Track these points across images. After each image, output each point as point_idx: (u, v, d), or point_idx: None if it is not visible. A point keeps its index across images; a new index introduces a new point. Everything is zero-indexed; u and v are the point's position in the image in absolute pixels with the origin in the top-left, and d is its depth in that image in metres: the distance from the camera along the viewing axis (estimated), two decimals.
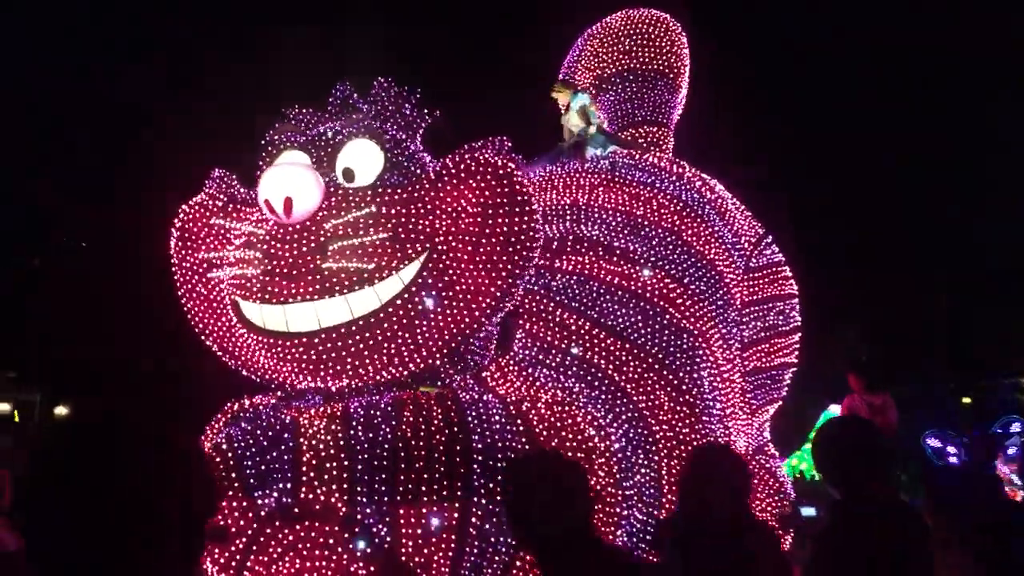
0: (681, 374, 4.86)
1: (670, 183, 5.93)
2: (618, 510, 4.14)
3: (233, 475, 3.57)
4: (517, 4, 18.01)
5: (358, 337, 3.93)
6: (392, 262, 3.92)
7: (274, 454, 3.65)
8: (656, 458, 4.56)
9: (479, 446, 3.82)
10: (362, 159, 4.20)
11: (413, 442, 3.74)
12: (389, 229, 3.95)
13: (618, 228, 5.45)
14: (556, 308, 4.95)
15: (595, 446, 4.11)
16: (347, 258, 3.89)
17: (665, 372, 4.82)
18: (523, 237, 4.08)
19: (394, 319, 3.95)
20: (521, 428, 4.00)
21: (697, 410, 4.78)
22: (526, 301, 4.97)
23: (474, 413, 3.94)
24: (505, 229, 4.05)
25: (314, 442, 3.70)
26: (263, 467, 3.62)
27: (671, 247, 5.45)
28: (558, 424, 4.09)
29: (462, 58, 17.99)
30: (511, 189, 4.08)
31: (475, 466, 3.77)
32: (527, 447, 3.92)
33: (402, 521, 3.67)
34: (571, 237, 5.37)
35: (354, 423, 3.76)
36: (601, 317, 4.92)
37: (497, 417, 3.98)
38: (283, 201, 3.78)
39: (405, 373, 4.16)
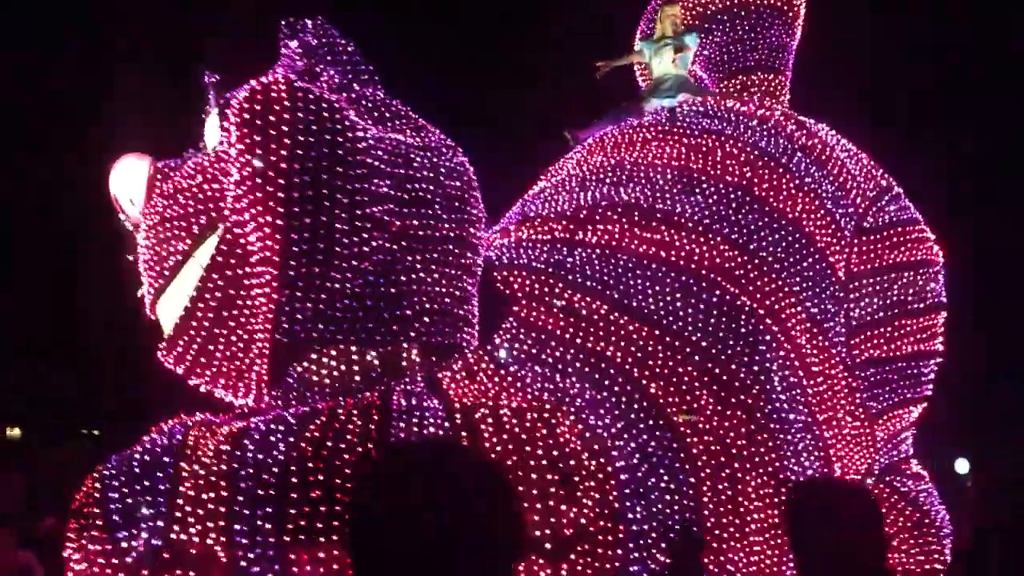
0: (734, 367, 3.58)
1: (746, 129, 4.64)
2: (615, 552, 2.93)
3: (95, 511, 2.70)
4: (517, 4, 17.18)
5: (186, 339, 3.28)
6: (179, 245, 3.30)
7: (145, 484, 2.68)
8: (692, 480, 3.30)
9: None
10: (211, 131, 3.60)
11: (311, 464, 2.73)
12: (180, 206, 3.33)
13: (665, 187, 4.20)
14: (565, 289, 3.76)
15: (580, 465, 2.96)
16: (152, 249, 3.39)
17: (711, 365, 3.55)
18: (282, 173, 3.04)
19: (199, 312, 3.23)
20: (466, 444, 2.89)
21: (759, 414, 3.48)
22: (526, 283, 3.79)
23: (402, 425, 2.86)
24: (249, 170, 3.04)
25: (196, 467, 2.69)
26: (130, 501, 2.67)
27: (735, 205, 4.18)
28: (523, 436, 2.95)
29: (462, 58, 17.13)
30: (250, 115, 3.09)
31: None
32: (471, 466, 2.76)
33: (295, 569, 2.68)
34: (604, 203, 4.14)
35: (245, 443, 2.78)
36: (624, 298, 3.71)
37: (432, 430, 2.91)
38: (114, 201, 3.44)
39: (262, 373, 3.25)
